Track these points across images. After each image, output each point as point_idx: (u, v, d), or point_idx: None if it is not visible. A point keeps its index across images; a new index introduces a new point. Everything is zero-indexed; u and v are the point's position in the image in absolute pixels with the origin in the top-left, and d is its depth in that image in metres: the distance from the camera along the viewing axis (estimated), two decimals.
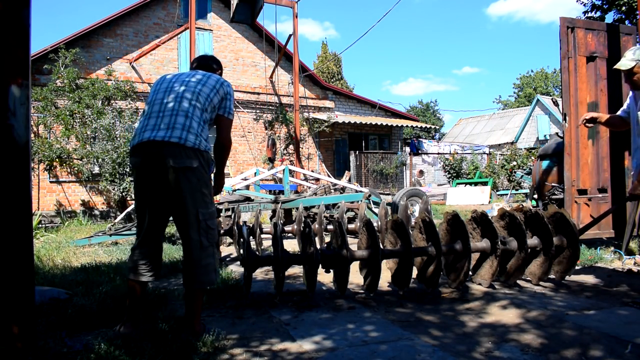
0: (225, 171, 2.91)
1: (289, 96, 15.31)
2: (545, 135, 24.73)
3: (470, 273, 3.53)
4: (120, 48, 13.01)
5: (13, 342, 1.43)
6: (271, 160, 10.67)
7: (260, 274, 4.27)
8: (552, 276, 3.68)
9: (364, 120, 16.34)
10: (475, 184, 15.31)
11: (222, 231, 5.40)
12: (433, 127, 24.85)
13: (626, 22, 12.41)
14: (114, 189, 10.51)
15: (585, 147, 4.87)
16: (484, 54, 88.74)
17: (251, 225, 5.53)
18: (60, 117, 10.38)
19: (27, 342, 1.46)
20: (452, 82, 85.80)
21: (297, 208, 6.15)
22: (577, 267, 3.90)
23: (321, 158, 16.29)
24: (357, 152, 16.55)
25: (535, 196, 6.37)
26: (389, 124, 16.76)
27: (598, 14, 13.66)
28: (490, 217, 3.53)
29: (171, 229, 6.63)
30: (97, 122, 10.34)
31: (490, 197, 13.75)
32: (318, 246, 3.52)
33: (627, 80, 3.43)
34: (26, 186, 1.51)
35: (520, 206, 3.84)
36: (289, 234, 5.91)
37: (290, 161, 14.42)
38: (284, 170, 7.34)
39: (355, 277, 3.73)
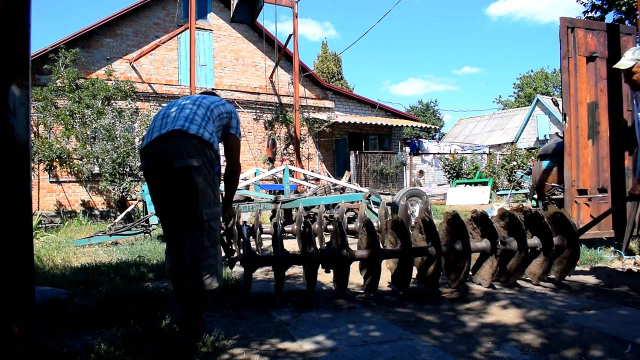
0: None
1: (289, 96, 15.31)
2: (545, 135, 24.73)
3: (471, 273, 3.53)
4: (120, 48, 13.00)
5: (13, 342, 1.43)
6: (271, 160, 10.67)
7: (260, 274, 4.27)
8: (552, 276, 3.68)
9: (364, 120, 16.33)
10: (475, 184, 15.31)
11: (221, 231, 5.40)
12: (433, 127, 24.84)
13: (626, 22, 12.41)
14: (114, 189, 10.51)
15: (585, 147, 4.87)
16: (484, 54, 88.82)
17: (251, 225, 5.53)
18: (60, 117, 10.38)
19: (27, 342, 1.45)
20: (452, 82, 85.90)
21: (297, 208, 6.15)
22: (577, 267, 3.89)
23: (321, 158, 16.29)
24: (357, 152, 16.55)
25: (535, 196, 6.37)
26: (389, 124, 16.76)
27: (598, 14, 13.67)
28: (490, 217, 3.52)
29: None
30: (97, 122, 10.34)
31: (490, 197, 13.75)
32: (318, 246, 3.52)
33: (626, 80, 3.43)
34: (26, 186, 1.51)
35: (520, 206, 3.84)
36: (289, 234, 5.92)
37: (290, 161, 14.43)
38: (284, 170, 7.34)
39: (355, 277, 3.73)
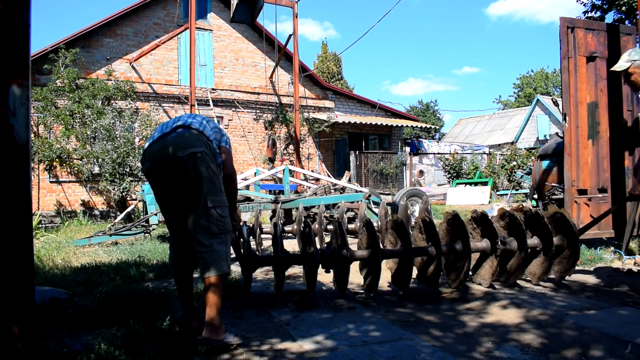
0: None
1: (289, 96, 15.31)
2: (545, 135, 24.71)
3: (471, 273, 3.53)
4: (120, 48, 13.00)
5: (13, 342, 1.43)
6: (271, 160, 10.67)
7: (260, 274, 4.27)
8: (552, 276, 3.68)
9: (364, 120, 16.34)
10: (475, 184, 15.31)
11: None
12: (433, 127, 24.83)
13: (626, 22, 12.41)
14: (114, 189, 10.51)
15: (585, 147, 4.87)
16: (484, 54, 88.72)
17: (251, 225, 5.53)
18: (60, 117, 10.38)
19: (27, 342, 1.46)
20: (452, 82, 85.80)
21: (297, 208, 6.16)
22: (577, 267, 3.89)
23: (321, 158, 16.29)
24: (357, 152, 16.55)
25: (535, 196, 6.37)
26: (389, 124, 16.76)
27: (598, 14, 13.66)
28: (490, 217, 3.53)
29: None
30: (97, 122, 10.34)
31: (490, 197, 13.76)
32: (318, 246, 3.52)
33: (626, 81, 3.43)
34: (26, 186, 1.51)
35: (520, 206, 3.84)
36: (289, 234, 5.92)
37: (290, 161, 14.43)
38: (284, 170, 7.35)
39: (355, 277, 3.73)
